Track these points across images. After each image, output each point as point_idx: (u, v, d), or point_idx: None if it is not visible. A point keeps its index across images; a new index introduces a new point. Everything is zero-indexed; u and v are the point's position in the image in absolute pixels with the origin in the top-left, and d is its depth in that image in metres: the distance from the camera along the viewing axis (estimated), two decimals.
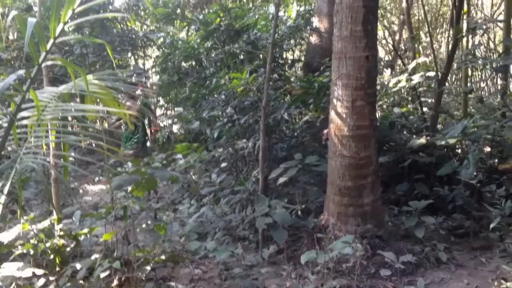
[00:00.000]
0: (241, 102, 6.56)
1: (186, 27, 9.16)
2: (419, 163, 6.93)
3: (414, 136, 7.35)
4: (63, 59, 2.80)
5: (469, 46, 10.64)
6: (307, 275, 4.97)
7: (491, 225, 5.14)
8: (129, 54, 10.93)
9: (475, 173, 6.23)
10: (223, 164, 6.85)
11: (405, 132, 7.87)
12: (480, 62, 7.90)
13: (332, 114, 5.27)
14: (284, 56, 8.77)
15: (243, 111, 6.65)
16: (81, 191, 7.77)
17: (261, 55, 7.27)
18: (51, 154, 4.09)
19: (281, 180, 5.87)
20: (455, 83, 14.42)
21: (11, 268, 3.32)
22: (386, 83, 8.96)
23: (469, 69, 10.46)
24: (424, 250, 5.31)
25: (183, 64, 8.55)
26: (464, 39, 10.08)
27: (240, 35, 7.50)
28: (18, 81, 2.74)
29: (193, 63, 8.44)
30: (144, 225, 4.37)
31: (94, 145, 5.01)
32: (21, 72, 2.41)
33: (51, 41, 2.54)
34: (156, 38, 10.38)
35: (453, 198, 6.23)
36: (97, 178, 8.49)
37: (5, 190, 3.04)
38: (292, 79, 8.26)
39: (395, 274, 4.88)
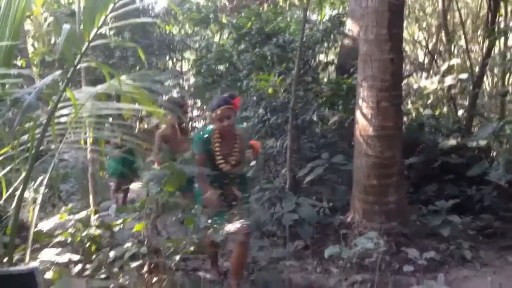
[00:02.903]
0: (271, 103, 6.76)
1: (220, 31, 9.43)
2: (450, 164, 6.98)
3: (450, 138, 7.41)
4: (97, 61, 3.06)
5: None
6: (331, 270, 5.14)
7: None
8: (167, 57, 11.29)
9: (505, 175, 6.26)
10: (253, 163, 7.04)
11: (440, 134, 7.93)
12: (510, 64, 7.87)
13: (358, 114, 5.41)
14: (317, 58, 8.91)
15: (274, 112, 6.84)
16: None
17: (292, 58, 7.44)
18: (88, 150, 4.38)
19: (308, 178, 6.03)
20: (495, 85, 14.25)
21: (49, 254, 3.62)
22: (419, 85, 9.01)
23: (508, 72, 10.36)
24: (449, 248, 5.39)
25: (218, 66, 8.81)
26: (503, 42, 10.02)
27: (271, 39, 7.70)
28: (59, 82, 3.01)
29: (227, 65, 8.69)
30: (174, 218, 4.60)
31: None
32: (57, 73, 2.67)
33: (86, 44, 2.79)
34: (193, 42, 10.70)
35: (481, 199, 6.27)
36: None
37: (44, 181, 3.33)
38: (325, 81, 8.41)
39: (418, 271, 4.97)
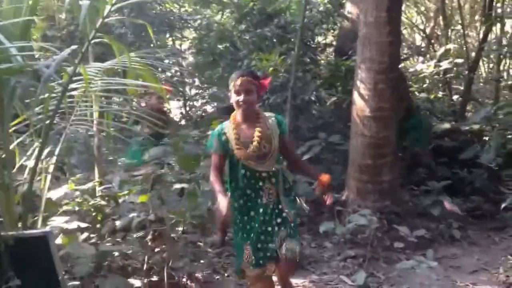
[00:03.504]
0: (270, 83, 6.89)
1: (222, 10, 9.56)
2: (443, 147, 7.18)
3: (444, 122, 7.59)
4: (108, 37, 3.19)
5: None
6: (325, 245, 5.34)
7: (503, 205, 5.39)
8: (167, 35, 11.33)
9: (495, 157, 6.46)
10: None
11: (434, 118, 8.11)
12: (505, 50, 8.06)
13: (355, 95, 5.57)
14: (316, 40, 9.02)
15: (273, 91, 6.98)
16: (119, 163, 8.20)
17: (292, 39, 7.57)
18: (95, 123, 4.52)
19: (305, 157, 6.20)
20: (491, 71, 14.40)
21: (59, 221, 3.79)
22: (415, 68, 9.18)
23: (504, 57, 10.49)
24: (439, 227, 5.61)
25: (218, 45, 8.93)
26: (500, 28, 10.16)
27: (272, 19, 7.82)
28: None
29: (227, 45, 8.81)
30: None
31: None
32: (75, 47, 2.80)
33: (100, 20, 2.93)
34: (193, 20, 10.79)
35: (472, 181, 6.47)
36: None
37: (56, 151, 3.49)
38: (324, 63, 8.55)
39: (408, 247, 5.21)
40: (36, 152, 3.44)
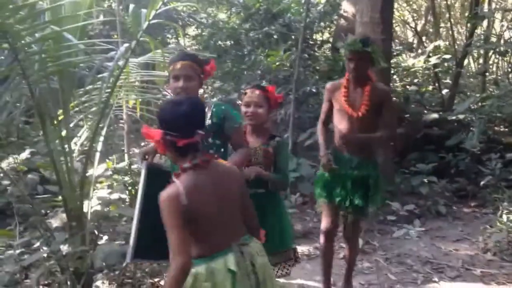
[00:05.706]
0: (275, 76, 7.55)
1: (229, 10, 10.16)
2: (432, 135, 7.88)
3: (432, 113, 8.27)
4: (148, 35, 3.79)
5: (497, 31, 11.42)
6: None
7: (482, 183, 6.08)
8: (171, 32, 11.90)
9: (477, 143, 7.14)
10: None
11: (424, 109, 8.78)
12: (487, 46, 8.76)
13: None
14: (314, 37, 9.67)
15: (277, 84, 7.63)
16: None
17: (293, 36, 8.23)
18: (125, 111, 5.16)
19: (307, 142, 6.89)
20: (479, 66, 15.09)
21: (103, 192, 4.44)
22: (408, 64, 9.87)
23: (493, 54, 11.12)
24: (427, 204, 6.30)
25: (224, 42, 9.55)
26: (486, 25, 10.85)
27: (276, 19, 8.47)
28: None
29: (232, 42, 9.42)
30: None
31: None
32: (127, 45, 3.45)
33: (147, 23, 3.57)
34: (199, 18, 11.39)
35: (456, 164, 7.16)
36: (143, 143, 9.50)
37: (103, 132, 4.13)
38: (322, 58, 9.21)
39: (399, 221, 5.90)
40: (85, 135, 4.11)
